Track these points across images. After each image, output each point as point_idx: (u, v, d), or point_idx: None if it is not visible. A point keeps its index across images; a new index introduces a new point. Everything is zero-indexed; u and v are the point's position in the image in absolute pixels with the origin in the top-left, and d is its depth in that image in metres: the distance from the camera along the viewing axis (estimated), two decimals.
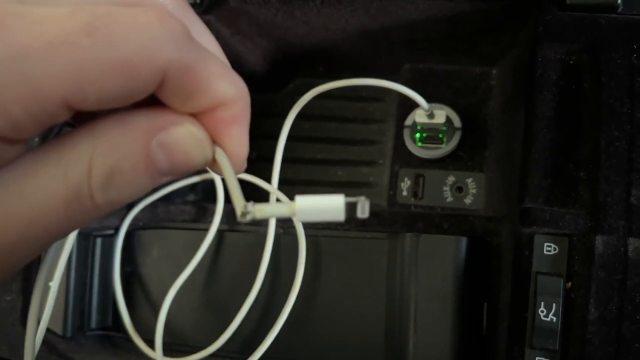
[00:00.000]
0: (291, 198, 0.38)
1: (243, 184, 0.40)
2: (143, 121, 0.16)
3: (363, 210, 0.18)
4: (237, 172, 0.18)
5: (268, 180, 0.39)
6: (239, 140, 0.18)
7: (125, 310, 0.39)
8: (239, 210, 0.18)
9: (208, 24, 0.41)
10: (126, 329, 0.38)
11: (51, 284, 0.38)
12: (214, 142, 0.17)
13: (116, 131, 0.16)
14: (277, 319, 0.34)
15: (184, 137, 0.16)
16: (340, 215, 0.18)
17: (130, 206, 0.41)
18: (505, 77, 0.39)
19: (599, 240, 0.27)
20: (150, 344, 0.39)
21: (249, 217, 0.18)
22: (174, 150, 0.16)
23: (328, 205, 0.18)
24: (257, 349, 0.34)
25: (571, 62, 0.30)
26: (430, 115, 0.38)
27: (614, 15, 0.30)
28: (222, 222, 0.39)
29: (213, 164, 0.18)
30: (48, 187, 0.15)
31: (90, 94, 0.14)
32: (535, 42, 0.31)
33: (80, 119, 0.16)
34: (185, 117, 0.16)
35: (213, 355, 0.37)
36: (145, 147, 0.16)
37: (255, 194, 0.45)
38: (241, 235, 0.38)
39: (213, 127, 0.17)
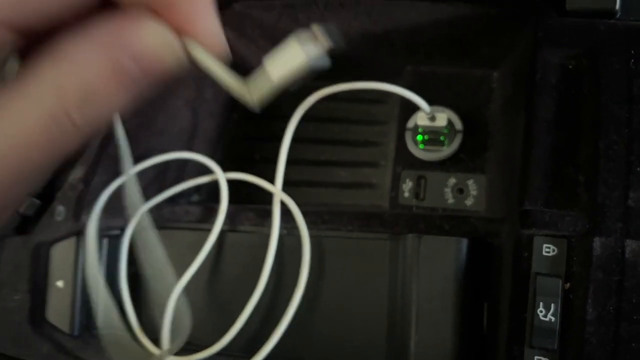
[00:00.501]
0: (295, 199, 0.39)
1: (246, 185, 0.41)
2: (103, 33, 0.15)
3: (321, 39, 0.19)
4: (221, 56, 0.17)
5: (272, 181, 0.40)
6: (208, 22, 0.16)
7: (132, 310, 0.39)
8: (245, 95, 0.17)
9: None
10: (132, 328, 0.39)
11: (59, 283, 0.38)
12: (183, 34, 0.16)
13: (78, 50, 0.15)
14: (281, 318, 0.35)
15: (149, 41, 0.15)
16: (301, 56, 0.19)
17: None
18: (506, 80, 0.39)
19: (597, 242, 0.27)
20: (156, 342, 0.39)
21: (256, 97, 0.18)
22: (143, 58, 0.15)
23: (290, 53, 0.20)
24: (262, 349, 0.34)
25: (570, 66, 0.31)
26: (432, 118, 0.38)
27: (613, 21, 0.30)
28: (225, 222, 0.39)
29: (192, 60, 0.17)
30: (24, 120, 0.14)
31: (29, 5, 0.14)
32: (535, 47, 0.31)
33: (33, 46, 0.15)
34: (143, 17, 0.15)
35: (217, 354, 0.37)
36: (113, 62, 0.15)
37: (258, 195, 0.46)
38: (244, 236, 0.39)
39: (176, 18, 0.16)
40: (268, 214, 0.39)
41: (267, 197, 0.39)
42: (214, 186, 0.48)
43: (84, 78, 0.15)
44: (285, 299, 0.36)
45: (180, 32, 0.16)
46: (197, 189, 0.49)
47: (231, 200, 0.48)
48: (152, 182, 0.44)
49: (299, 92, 0.49)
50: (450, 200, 0.40)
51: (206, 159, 0.42)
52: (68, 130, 0.15)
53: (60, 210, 0.38)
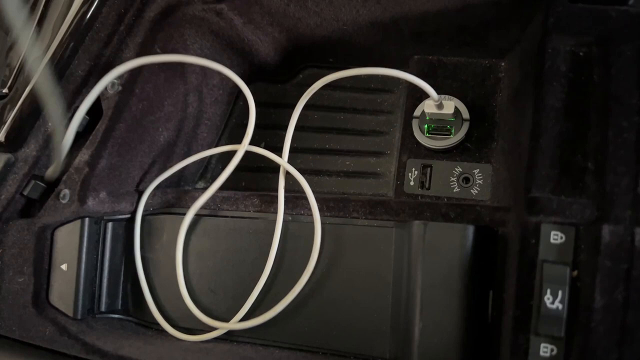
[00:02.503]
0: (301, 187, 0.39)
1: (255, 156, 0.42)
2: None
3: None
4: None
5: (274, 167, 0.40)
6: None
7: (148, 292, 0.40)
8: None
9: (221, 12, 0.41)
10: (150, 310, 0.39)
11: (63, 266, 0.38)
12: None
13: None
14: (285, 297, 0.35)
15: None
16: None
17: (142, 192, 0.41)
18: (513, 69, 0.39)
19: (605, 229, 0.27)
20: (161, 326, 0.39)
21: None
22: None
23: None
24: (261, 315, 0.36)
25: (581, 54, 0.30)
26: (440, 106, 0.38)
27: (625, 7, 0.30)
28: (231, 208, 0.39)
29: None
30: None
31: None
32: (544, 34, 0.31)
33: None
34: None
35: (227, 335, 0.38)
36: None
37: (267, 169, 0.46)
38: (251, 222, 0.39)
39: None
40: (273, 201, 0.38)
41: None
42: (219, 172, 0.48)
43: None
44: (290, 283, 0.36)
45: None
46: (202, 175, 0.49)
47: (238, 187, 0.48)
48: (156, 165, 0.44)
49: (304, 81, 0.49)
50: (456, 189, 0.39)
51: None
52: None
53: (65, 193, 0.38)
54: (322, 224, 0.37)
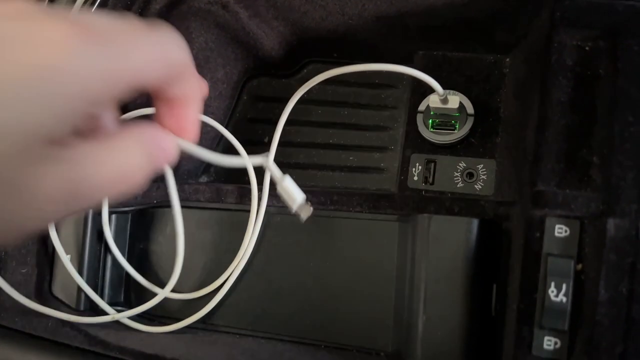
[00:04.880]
0: (304, 181, 0.39)
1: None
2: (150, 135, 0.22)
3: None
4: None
5: (280, 161, 0.40)
6: (194, 125, 0.24)
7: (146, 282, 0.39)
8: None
9: (227, 5, 0.41)
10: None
11: (67, 258, 0.38)
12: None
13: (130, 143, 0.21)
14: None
15: (171, 145, 0.23)
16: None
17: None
18: (518, 64, 0.39)
19: (610, 223, 0.27)
20: (163, 318, 0.39)
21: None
22: (166, 152, 0.23)
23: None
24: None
25: (587, 48, 0.30)
26: (444, 101, 0.38)
27: (632, 1, 0.30)
28: (235, 201, 0.39)
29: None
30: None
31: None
32: (551, 28, 0.31)
33: None
34: (168, 133, 0.23)
35: (230, 328, 0.38)
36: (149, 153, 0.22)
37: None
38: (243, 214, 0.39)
39: (177, 122, 0.23)
40: (277, 195, 0.38)
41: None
42: (222, 167, 0.48)
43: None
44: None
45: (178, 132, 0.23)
46: (206, 169, 0.49)
47: (238, 180, 0.48)
48: None
49: (309, 76, 0.49)
50: (460, 184, 0.39)
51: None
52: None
53: None
54: (326, 217, 0.37)
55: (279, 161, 0.47)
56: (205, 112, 0.47)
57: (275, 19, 0.43)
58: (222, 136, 0.50)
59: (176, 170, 0.46)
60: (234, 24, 0.43)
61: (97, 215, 0.39)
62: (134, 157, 0.21)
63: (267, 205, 0.38)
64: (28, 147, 0.17)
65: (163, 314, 0.40)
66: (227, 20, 0.42)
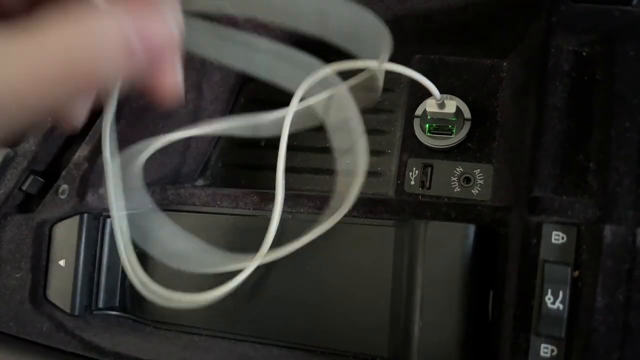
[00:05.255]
0: (300, 185, 0.38)
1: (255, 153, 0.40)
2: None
3: None
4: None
5: (274, 165, 0.39)
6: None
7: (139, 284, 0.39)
8: None
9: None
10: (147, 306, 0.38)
11: (61, 262, 0.38)
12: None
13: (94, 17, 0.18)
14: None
15: (163, 30, 0.19)
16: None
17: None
18: (515, 69, 0.39)
19: (607, 229, 0.27)
20: (158, 324, 0.39)
21: None
22: (151, 41, 0.19)
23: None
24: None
25: (584, 53, 0.30)
26: (441, 105, 0.38)
27: (629, 7, 0.30)
28: (230, 205, 0.39)
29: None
30: (33, 63, 0.16)
31: None
32: (548, 33, 0.31)
33: None
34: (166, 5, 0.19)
35: (226, 333, 0.37)
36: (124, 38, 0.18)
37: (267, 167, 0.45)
38: (249, 219, 0.39)
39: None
40: (273, 199, 0.38)
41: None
42: (219, 171, 0.48)
43: (92, 43, 0.17)
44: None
45: None
46: (202, 173, 0.49)
47: (235, 184, 0.48)
48: (154, 164, 0.43)
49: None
50: (457, 189, 0.39)
51: None
52: (67, 81, 0.17)
53: (64, 188, 0.38)
54: (321, 222, 0.36)
55: (272, 164, 0.47)
56: (202, 116, 0.46)
57: (271, 21, 0.43)
58: (218, 138, 0.50)
59: (173, 174, 0.46)
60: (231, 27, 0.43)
61: (93, 219, 0.39)
62: (106, 37, 0.17)
63: (284, 211, 0.37)
64: None
65: (159, 318, 0.40)
66: (223, 23, 0.42)
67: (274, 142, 0.47)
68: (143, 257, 0.41)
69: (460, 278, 0.31)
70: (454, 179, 0.40)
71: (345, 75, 0.42)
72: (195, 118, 0.46)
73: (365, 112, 0.47)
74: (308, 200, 0.37)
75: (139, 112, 0.41)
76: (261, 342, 0.38)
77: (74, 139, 0.38)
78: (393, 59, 0.45)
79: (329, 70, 0.37)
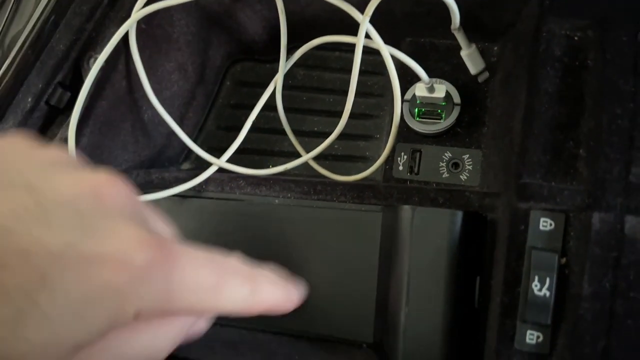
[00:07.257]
0: (288, 169, 0.38)
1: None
2: None
3: None
4: None
5: (264, 149, 0.39)
6: None
7: None
8: None
9: None
10: None
11: None
12: None
13: None
14: None
15: None
16: None
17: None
18: (506, 53, 0.39)
19: (595, 217, 0.26)
20: None
21: None
22: None
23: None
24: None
25: (576, 38, 0.30)
26: (431, 89, 0.38)
27: None
28: (217, 190, 0.39)
29: None
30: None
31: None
32: (540, 17, 0.30)
33: None
34: None
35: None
36: None
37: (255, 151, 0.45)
38: (236, 204, 0.38)
39: None
40: (260, 184, 0.38)
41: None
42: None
43: None
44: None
45: None
46: (187, 157, 0.48)
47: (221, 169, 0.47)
48: (137, 146, 0.43)
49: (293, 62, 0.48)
50: (445, 175, 0.39)
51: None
52: None
53: None
54: (308, 207, 0.36)
55: (263, 149, 0.46)
56: (187, 98, 0.45)
57: (258, 2, 0.42)
58: (204, 121, 0.49)
59: (157, 156, 0.45)
60: (217, 8, 0.42)
61: None
62: (164, 340, 0.22)
63: (264, 195, 0.37)
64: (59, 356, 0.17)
65: None
66: (209, 4, 0.41)
67: (261, 125, 0.47)
68: None
69: (447, 264, 0.31)
70: (443, 164, 0.39)
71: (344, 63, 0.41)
72: (181, 100, 0.45)
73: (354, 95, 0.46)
74: (295, 186, 0.37)
75: (122, 94, 0.40)
76: (246, 327, 0.37)
77: (54, 120, 0.37)
78: (383, 41, 0.44)
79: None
